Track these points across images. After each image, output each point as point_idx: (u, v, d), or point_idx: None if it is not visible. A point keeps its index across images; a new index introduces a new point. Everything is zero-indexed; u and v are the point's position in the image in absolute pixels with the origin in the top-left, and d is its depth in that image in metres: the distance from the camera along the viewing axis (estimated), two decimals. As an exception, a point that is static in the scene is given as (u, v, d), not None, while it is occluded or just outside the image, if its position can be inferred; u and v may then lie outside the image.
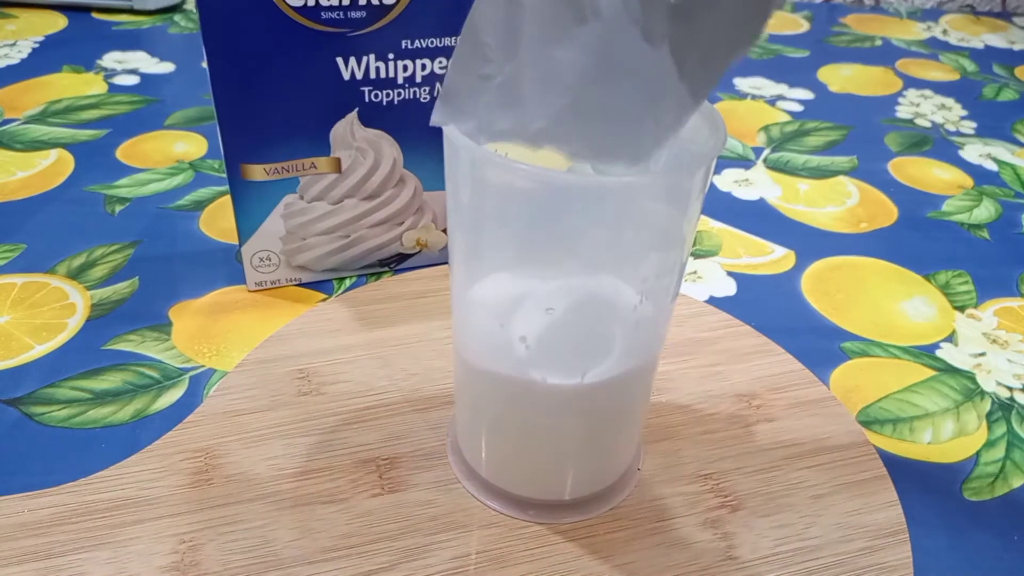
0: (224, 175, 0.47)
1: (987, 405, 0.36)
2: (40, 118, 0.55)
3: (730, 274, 0.43)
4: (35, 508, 0.28)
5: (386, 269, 0.42)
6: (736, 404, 0.34)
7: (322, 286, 0.41)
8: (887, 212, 0.50)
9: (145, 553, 0.27)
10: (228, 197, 0.42)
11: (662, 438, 0.32)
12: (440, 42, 0.35)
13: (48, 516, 0.28)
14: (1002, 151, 0.58)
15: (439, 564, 0.27)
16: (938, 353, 0.39)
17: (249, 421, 0.32)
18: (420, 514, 0.29)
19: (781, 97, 0.65)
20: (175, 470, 0.30)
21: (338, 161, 0.37)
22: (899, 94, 0.66)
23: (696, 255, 0.45)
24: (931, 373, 0.37)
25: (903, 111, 0.63)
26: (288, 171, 0.37)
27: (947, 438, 0.34)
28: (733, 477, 0.31)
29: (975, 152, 0.58)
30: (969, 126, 0.62)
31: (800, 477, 0.31)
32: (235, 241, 0.43)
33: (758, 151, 0.56)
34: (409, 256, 0.42)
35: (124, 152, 0.51)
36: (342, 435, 0.32)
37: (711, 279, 0.43)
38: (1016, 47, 0.78)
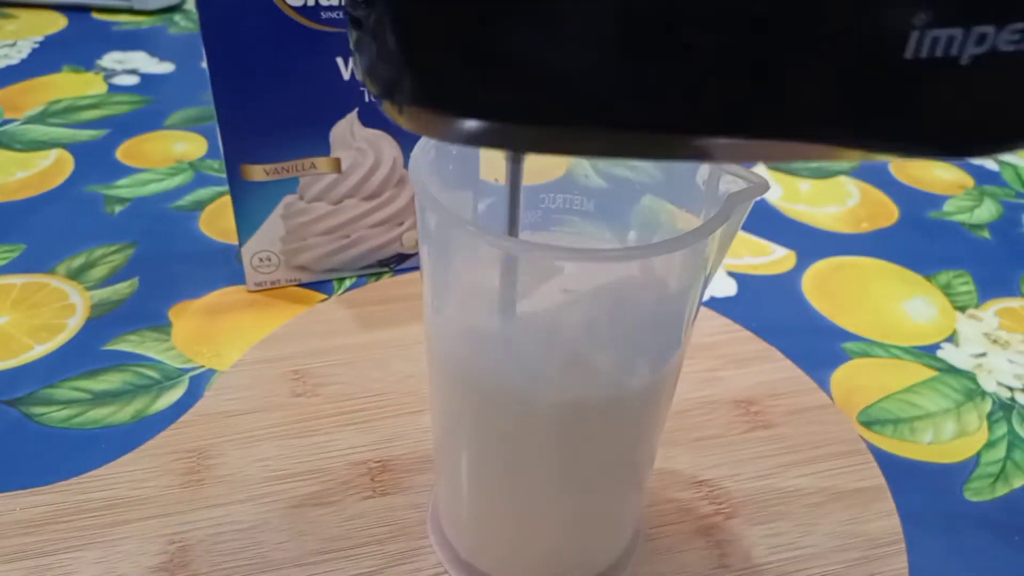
0: (224, 175, 0.47)
1: (988, 405, 0.36)
2: (40, 118, 0.55)
3: (731, 274, 0.43)
4: (27, 506, 0.28)
5: (386, 269, 0.42)
6: (734, 410, 0.34)
7: (322, 286, 0.41)
8: (888, 212, 0.50)
9: (135, 553, 0.27)
10: (228, 197, 0.42)
11: (657, 443, 0.32)
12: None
13: (40, 514, 0.28)
14: (1003, 151, 0.58)
15: (427, 569, 0.27)
16: (939, 353, 0.39)
17: (242, 422, 0.32)
18: (410, 518, 0.29)
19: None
20: (167, 470, 0.30)
21: (338, 161, 0.37)
22: (900, 94, 0.66)
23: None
24: (932, 373, 0.37)
25: (904, 111, 0.63)
26: (288, 171, 0.37)
27: (948, 438, 0.34)
28: (728, 484, 0.31)
29: (976, 152, 0.58)
30: (970, 126, 0.61)
31: (796, 485, 0.31)
32: (235, 241, 0.43)
33: (759, 151, 0.56)
34: (409, 256, 0.42)
35: (124, 152, 0.51)
36: (335, 437, 0.32)
37: (712, 279, 0.43)
38: (1017, 47, 0.78)
